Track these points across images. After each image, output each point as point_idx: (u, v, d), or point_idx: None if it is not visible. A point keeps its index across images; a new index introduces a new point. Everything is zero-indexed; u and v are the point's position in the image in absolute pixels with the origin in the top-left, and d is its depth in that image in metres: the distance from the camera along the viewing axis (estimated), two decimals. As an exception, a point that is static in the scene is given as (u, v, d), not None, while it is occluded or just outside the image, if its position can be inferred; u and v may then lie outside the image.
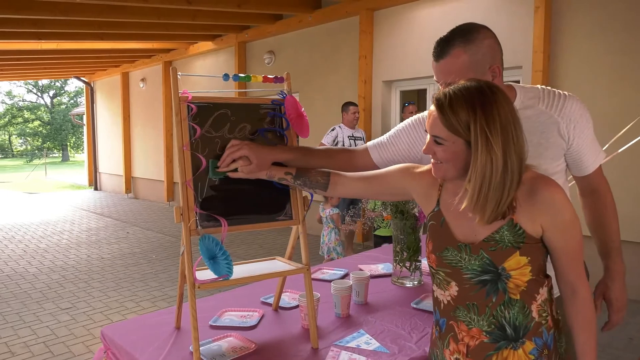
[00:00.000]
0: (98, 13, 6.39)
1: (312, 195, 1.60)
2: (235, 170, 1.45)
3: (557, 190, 1.13)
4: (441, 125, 1.12)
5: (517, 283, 1.13)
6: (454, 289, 1.20)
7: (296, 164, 1.51)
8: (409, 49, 5.83)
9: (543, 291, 1.17)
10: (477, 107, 1.08)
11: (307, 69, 7.13)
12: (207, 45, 8.84)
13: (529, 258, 1.12)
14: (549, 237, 1.14)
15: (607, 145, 2.73)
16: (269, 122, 1.61)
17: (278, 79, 1.65)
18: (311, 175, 1.47)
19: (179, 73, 1.49)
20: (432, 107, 1.16)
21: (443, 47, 1.40)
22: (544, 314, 1.17)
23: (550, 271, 1.22)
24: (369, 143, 1.70)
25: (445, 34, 1.41)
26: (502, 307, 1.15)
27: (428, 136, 1.18)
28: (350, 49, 6.52)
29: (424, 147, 1.20)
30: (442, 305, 1.24)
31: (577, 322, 1.19)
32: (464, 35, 1.38)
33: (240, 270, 1.55)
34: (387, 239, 4.64)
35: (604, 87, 4.37)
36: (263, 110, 1.61)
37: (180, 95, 1.46)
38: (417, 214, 2.06)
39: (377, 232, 4.72)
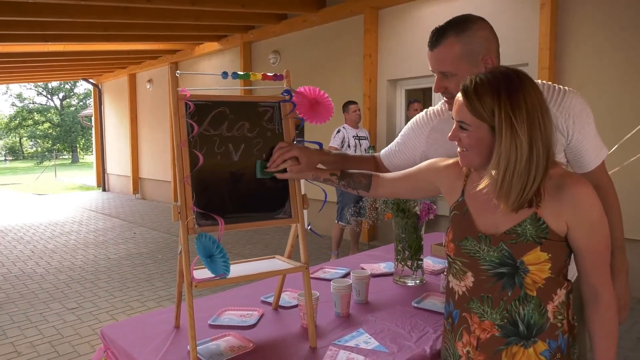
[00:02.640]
0: (103, 15, 6.43)
1: (325, 196, 1.65)
2: (284, 171, 1.51)
3: (586, 187, 1.11)
4: (466, 111, 1.12)
5: (535, 279, 1.11)
6: (469, 279, 1.19)
7: (337, 166, 1.58)
8: (414, 47, 5.81)
9: (561, 293, 1.15)
10: (502, 93, 1.08)
11: (312, 68, 7.12)
12: (213, 45, 8.86)
13: (549, 255, 1.10)
14: (574, 236, 1.12)
15: (615, 146, 2.69)
16: (268, 120, 1.60)
17: (277, 77, 1.64)
18: (355, 176, 1.52)
19: (178, 71, 1.49)
20: (458, 95, 1.16)
21: (437, 36, 1.42)
22: (559, 317, 1.15)
23: (570, 275, 1.21)
24: (382, 152, 1.79)
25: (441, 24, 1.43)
26: (517, 302, 1.13)
27: (454, 123, 1.18)
28: (355, 48, 6.50)
29: (449, 134, 1.20)
30: (456, 296, 1.23)
31: (597, 327, 1.15)
32: (459, 25, 1.39)
33: (238, 269, 1.54)
34: None
35: (612, 84, 4.32)
36: (261, 108, 1.60)
37: (178, 93, 1.46)
38: (418, 213, 2.04)
39: None
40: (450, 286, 1.26)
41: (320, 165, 1.61)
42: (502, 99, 1.07)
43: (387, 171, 1.65)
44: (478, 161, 1.16)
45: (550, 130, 1.09)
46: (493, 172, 1.10)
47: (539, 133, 1.06)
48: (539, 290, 1.12)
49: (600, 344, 1.15)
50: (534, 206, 1.10)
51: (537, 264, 1.10)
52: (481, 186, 1.14)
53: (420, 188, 1.43)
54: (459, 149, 1.19)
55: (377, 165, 1.77)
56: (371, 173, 1.52)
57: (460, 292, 1.22)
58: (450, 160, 1.34)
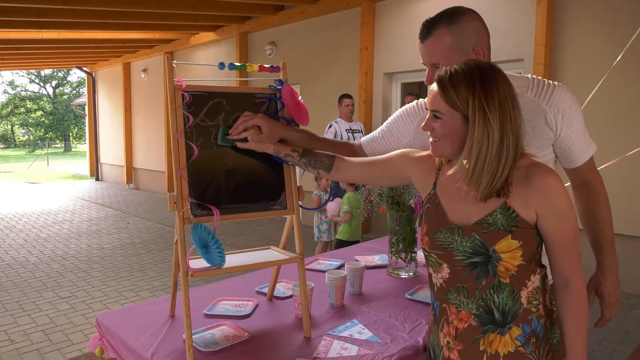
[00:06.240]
0: (99, 2, 6.37)
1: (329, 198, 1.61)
2: (245, 140, 1.48)
3: (553, 177, 1.14)
4: (441, 100, 1.14)
5: (507, 266, 1.14)
6: (445, 271, 1.21)
7: (302, 144, 1.55)
8: (411, 40, 5.80)
9: (535, 279, 1.17)
10: (477, 84, 1.10)
11: (309, 61, 7.10)
12: (209, 35, 8.81)
13: (520, 242, 1.13)
14: (543, 225, 1.15)
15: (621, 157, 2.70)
16: (264, 112, 1.60)
17: (274, 68, 1.64)
18: (317, 155, 1.49)
19: (174, 61, 1.48)
20: (432, 85, 1.18)
21: (428, 28, 1.42)
22: (534, 302, 1.17)
23: (546, 262, 1.22)
24: (363, 139, 1.74)
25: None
26: (492, 291, 1.15)
27: (428, 113, 1.19)
28: (352, 40, 6.49)
29: (422, 124, 1.21)
30: (435, 288, 1.26)
31: (568, 314, 1.18)
32: (449, 17, 1.40)
33: (234, 259, 1.55)
34: (349, 245, 4.56)
35: (609, 81, 4.33)
36: (258, 100, 1.60)
37: (174, 83, 1.45)
38: (413, 206, 2.06)
39: (339, 236, 4.63)
40: (431, 279, 1.29)
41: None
42: (477, 89, 1.10)
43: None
44: (449, 151, 1.19)
45: (520, 122, 1.12)
46: (464, 162, 1.13)
47: (509, 124, 1.10)
48: (512, 278, 1.15)
49: (571, 329, 1.18)
50: (503, 196, 1.13)
51: (509, 251, 1.13)
52: (450, 172, 1.17)
53: (389, 176, 1.43)
54: (431, 139, 1.21)
55: (353, 152, 1.70)
56: (335, 155, 1.49)
57: (438, 284, 1.24)
58: (424, 153, 1.36)
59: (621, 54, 3.37)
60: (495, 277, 1.15)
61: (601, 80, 3.41)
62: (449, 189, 1.23)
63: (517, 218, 1.13)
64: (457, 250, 1.18)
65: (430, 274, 1.29)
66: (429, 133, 1.21)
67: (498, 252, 1.13)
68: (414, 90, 6.61)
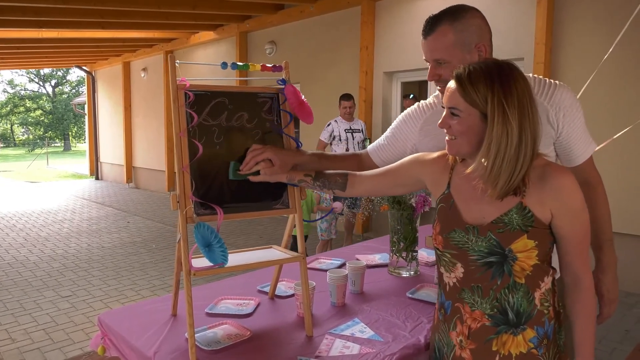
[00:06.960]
0: (99, 2, 6.36)
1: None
2: (257, 173, 1.49)
3: (568, 177, 1.15)
4: (459, 97, 1.14)
5: (523, 266, 1.14)
6: (459, 270, 1.21)
7: (312, 167, 1.56)
8: (411, 40, 5.81)
9: (547, 280, 1.18)
10: (495, 81, 1.11)
11: (309, 60, 7.10)
12: (209, 35, 8.81)
13: (536, 242, 1.13)
14: (557, 224, 1.15)
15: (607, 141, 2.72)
16: (267, 111, 1.61)
17: (277, 68, 1.64)
18: (330, 176, 1.50)
19: (177, 61, 1.49)
20: (450, 82, 1.18)
21: (431, 24, 1.44)
22: (545, 304, 1.18)
23: (554, 264, 1.23)
24: (369, 147, 1.76)
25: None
26: (507, 291, 1.16)
27: (445, 111, 1.19)
28: (352, 39, 6.49)
29: (439, 122, 1.21)
30: (447, 287, 1.26)
31: (577, 311, 1.20)
32: (452, 14, 1.42)
33: (236, 258, 1.55)
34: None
35: (608, 80, 4.35)
36: (261, 99, 1.61)
37: (178, 82, 1.46)
38: (413, 205, 2.06)
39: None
40: (442, 278, 1.29)
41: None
42: (496, 86, 1.10)
43: (373, 167, 1.63)
44: (467, 149, 1.18)
45: (537, 120, 1.13)
46: (482, 160, 1.12)
47: (528, 122, 1.10)
48: (527, 278, 1.15)
49: (582, 326, 1.20)
50: (519, 195, 1.14)
51: (525, 251, 1.13)
52: (468, 170, 1.17)
53: (401, 184, 1.43)
54: (447, 137, 1.21)
55: (361, 162, 1.73)
56: (347, 172, 1.50)
57: (451, 284, 1.24)
58: (435, 154, 1.36)
59: (612, 46, 3.38)
60: (511, 277, 1.15)
61: (593, 74, 3.42)
62: (463, 189, 1.23)
63: (532, 218, 1.14)
64: (472, 250, 1.18)
65: (441, 273, 1.29)
66: (445, 131, 1.20)
67: (514, 252, 1.14)
68: (413, 91, 6.62)
